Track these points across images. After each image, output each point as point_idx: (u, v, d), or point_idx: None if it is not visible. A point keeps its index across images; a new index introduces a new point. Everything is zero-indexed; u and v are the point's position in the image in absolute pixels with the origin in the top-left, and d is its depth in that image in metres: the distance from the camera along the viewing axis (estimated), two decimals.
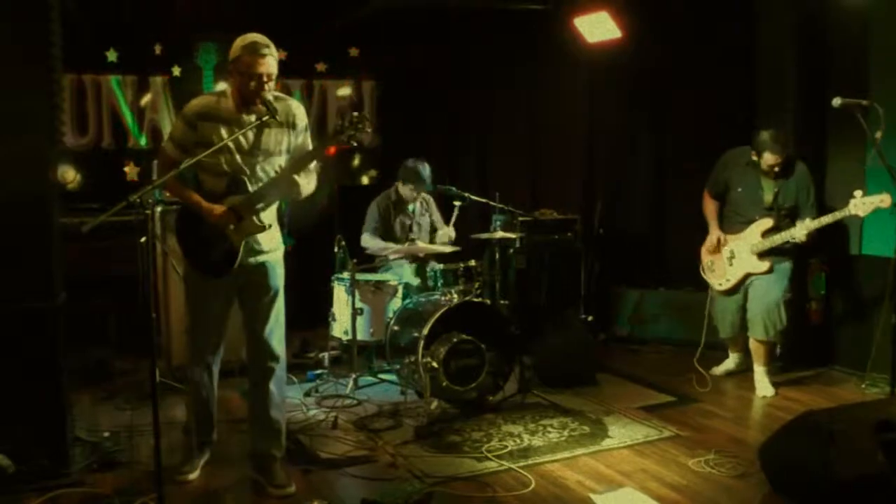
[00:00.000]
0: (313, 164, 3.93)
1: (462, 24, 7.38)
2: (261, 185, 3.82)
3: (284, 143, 3.89)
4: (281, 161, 3.89)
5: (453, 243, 5.96)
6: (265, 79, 3.68)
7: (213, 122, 3.75)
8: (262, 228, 3.85)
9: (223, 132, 3.73)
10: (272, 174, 3.86)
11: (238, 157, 3.80)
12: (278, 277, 4.04)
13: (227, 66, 3.76)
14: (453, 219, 6.00)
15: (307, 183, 3.90)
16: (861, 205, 5.01)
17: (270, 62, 3.69)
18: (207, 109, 3.78)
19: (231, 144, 3.74)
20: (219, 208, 3.77)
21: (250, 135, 3.78)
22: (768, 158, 5.30)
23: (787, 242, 5.33)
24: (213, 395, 4.19)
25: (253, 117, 3.76)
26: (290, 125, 3.88)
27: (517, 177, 7.69)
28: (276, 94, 3.81)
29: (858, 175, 5.68)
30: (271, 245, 4.00)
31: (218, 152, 3.71)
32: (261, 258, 3.94)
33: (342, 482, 4.10)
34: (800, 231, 5.23)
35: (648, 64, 7.04)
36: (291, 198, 3.99)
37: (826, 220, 5.18)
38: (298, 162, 3.84)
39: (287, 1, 7.00)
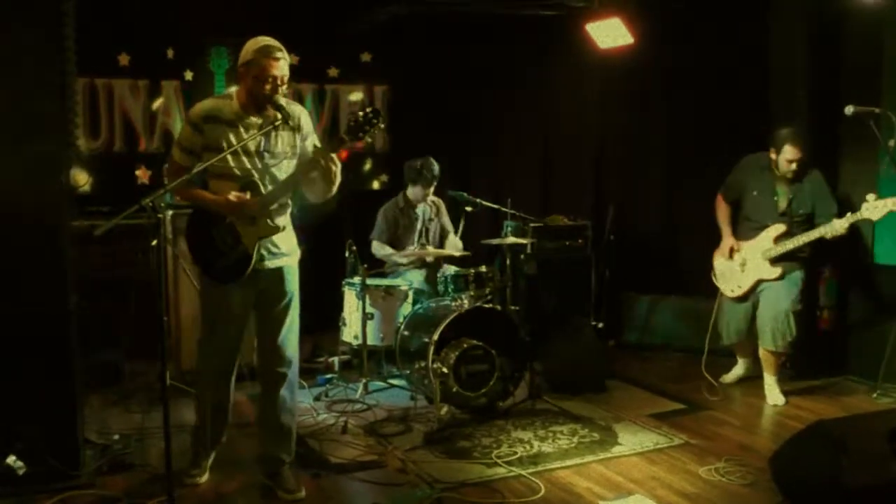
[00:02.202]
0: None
1: (474, 31, 7.38)
2: (273, 187, 3.82)
3: (291, 146, 3.89)
4: (289, 164, 3.89)
5: (462, 249, 5.96)
6: (279, 82, 3.70)
7: (220, 124, 3.75)
8: (277, 230, 3.85)
9: (230, 134, 3.74)
10: (280, 177, 3.86)
11: (246, 160, 3.79)
12: (294, 282, 4.02)
13: (238, 68, 3.77)
14: (460, 229, 5.98)
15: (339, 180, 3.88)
16: (874, 208, 4.92)
17: (283, 65, 3.70)
18: (213, 112, 3.78)
19: (240, 147, 3.75)
20: (228, 198, 3.74)
21: (259, 137, 3.79)
22: (788, 152, 5.21)
23: (804, 247, 5.23)
24: (230, 400, 4.15)
25: (260, 119, 3.78)
26: (297, 128, 3.89)
27: (528, 182, 7.69)
28: (283, 98, 3.82)
29: (871, 182, 5.67)
30: (289, 248, 3.99)
31: (228, 155, 3.72)
32: (278, 262, 3.93)
33: (352, 487, 4.10)
34: (838, 226, 5.03)
35: (660, 70, 7.03)
36: (326, 192, 3.90)
37: (847, 222, 5.03)
38: (330, 149, 3.79)
39: (299, 6, 7.02)
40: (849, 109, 4.93)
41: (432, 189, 6.06)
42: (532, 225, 6.57)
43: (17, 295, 3.85)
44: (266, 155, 3.83)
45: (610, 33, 6.55)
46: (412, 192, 6.06)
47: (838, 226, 5.05)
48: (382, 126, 3.69)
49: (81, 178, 6.41)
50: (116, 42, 6.70)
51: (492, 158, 7.80)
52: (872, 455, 3.62)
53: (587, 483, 4.13)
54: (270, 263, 3.90)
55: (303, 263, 4.11)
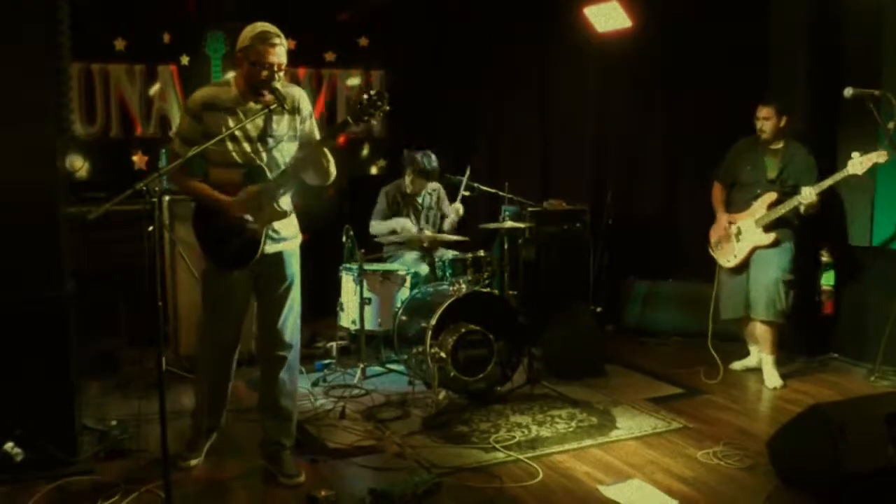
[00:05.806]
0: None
1: (472, 14, 7.34)
2: (279, 171, 3.79)
3: (292, 129, 3.86)
4: (291, 147, 3.87)
5: (460, 231, 5.94)
6: (276, 68, 3.65)
7: (218, 111, 3.72)
8: (284, 214, 3.83)
9: (229, 121, 3.70)
10: (283, 161, 3.83)
11: (247, 146, 3.77)
12: (294, 266, 4.01)
13: (236, 54, 3.73)
14: (459, 196, 5.95)
15: (333, 165, 3.87)
16: (859, 164, 5.06)
17: (281, 52, 3.66)
18: (211, 100, 3.75)
19: (238, 133, 3.72)
20: (230, 199, 3.75)
21: (259, 122, 3.76)
22: (759, 111, 5.45)
23: (797, 207, 5.28)
24: (229, 384, 4.17)
25: (259, 105, 3.73)
26: (296, 111, 3.86)
27: (527, 166, 7.66)
28: (282, 81, 3.79)
29: None
30: (288, 233, 3.97)
31: (225, 141, 3.69)
32: (278, 246, 3.91)
33: (350, 472, 4.09)
34: (807, 194, 5.19)
35: (659, 54, 7.00)
36: (323, 179, 3.89)
37: (828, 182, 5.19)
38: (322, 143, 3.80)
39: None
40: (848, 91, 4.92)
41: (428, 182, 6.05)
42: (531, 209, 6.55)
43: (14, 281, 3.84)
44: (269, 140, 3.80)
45: (608, 17, 6.53)
46: (409, 179, 6.03)
47: (804, 196, 5.21)
48: (387, 108, 3.67)
49: (77, 164, 6.39)
50: (112, 27, 6.66)
51: (490, 143, 7.77)
52: (869, 439, 3.62)
53: (585, 467, 4.13)
54: (271, 248, 3.88)
55: (301, 248, 4.10)
